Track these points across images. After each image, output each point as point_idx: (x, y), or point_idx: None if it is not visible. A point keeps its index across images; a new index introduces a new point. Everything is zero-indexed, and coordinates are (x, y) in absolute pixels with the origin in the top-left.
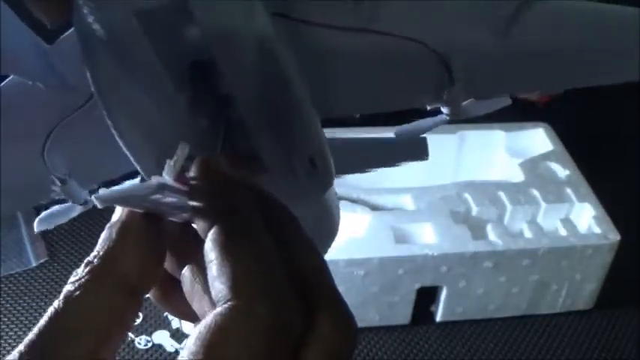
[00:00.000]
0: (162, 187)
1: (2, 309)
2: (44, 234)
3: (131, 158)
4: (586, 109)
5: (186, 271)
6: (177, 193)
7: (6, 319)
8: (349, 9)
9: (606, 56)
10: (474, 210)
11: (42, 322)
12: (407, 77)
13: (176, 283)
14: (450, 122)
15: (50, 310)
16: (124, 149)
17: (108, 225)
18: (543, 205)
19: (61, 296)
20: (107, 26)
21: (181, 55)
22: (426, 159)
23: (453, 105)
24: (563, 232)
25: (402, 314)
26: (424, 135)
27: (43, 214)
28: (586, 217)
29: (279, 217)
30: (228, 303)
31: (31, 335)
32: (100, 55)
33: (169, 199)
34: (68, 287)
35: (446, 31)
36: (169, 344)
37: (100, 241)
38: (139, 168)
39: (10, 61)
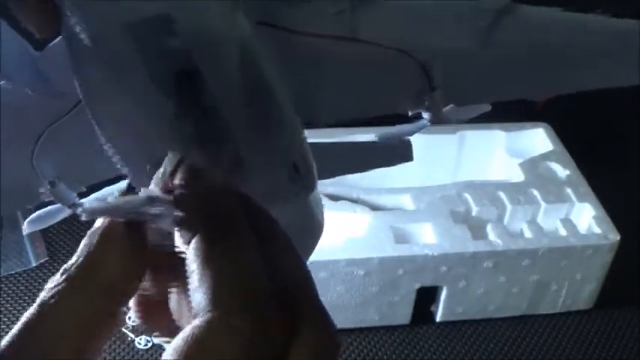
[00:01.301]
0: (152, 200)
1: (2, 309)
2: (44, 234)
3: (118, 165)
4: (586, 109)
5: (173, 289)
6: (164, 204)
7: (6, 319)
8: (332, 17)
9: (594, 64)
10: (474, 210)
11: (14, 330)
12: (389, 84)
13: (163, 302)
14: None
15: (23, 318)
16: (112, 156)
17: (89, 232)
18: (543, 205)
19: (36, 304)
20: (94, 36)
21: (166, 64)
22: (411, 160)
23: (434, 111)
24: (563, 232)
25: (402, 314)
26: (408, 139)
27: (32, 216)
28: (586, 217)
29: (264, 226)
30: (208, 314)
31: (3, 342)
32: (88, 64)
33: (155, 210)
34: (43, 294)
35: (426, 40)
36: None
37: (81, 247)
38: (126, 173)
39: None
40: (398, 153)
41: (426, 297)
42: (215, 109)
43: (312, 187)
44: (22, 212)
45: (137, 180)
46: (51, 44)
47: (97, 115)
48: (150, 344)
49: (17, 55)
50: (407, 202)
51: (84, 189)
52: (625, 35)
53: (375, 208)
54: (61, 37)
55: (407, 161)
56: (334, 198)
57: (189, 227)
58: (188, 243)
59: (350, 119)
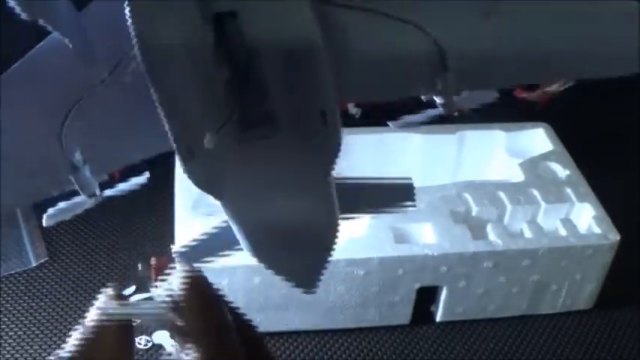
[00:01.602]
0: (154, 303)
1: (2, 309)
2: (44, 234)
3: (164, 119)
4: (586, 109)
5: None
6: (165, 309)
7: (6, 319)
8: None
9: (599, 48)
10: (474, 210)
11: None
12: (404, 61)
13: None
14: (443, 116)
15: None
16: (158, 105)
17: (82, 324)
18: (543, 205)
19: None
20: None
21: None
22: (413, 202)
23: (446, 95)
24: (563, 232)
25: (402, 314)
26: (411, 182)
27: (52, 209)
28: (586, 217)
29: (250, 333)
30: None
31: None
32: None
33: (155, 313)
34: None
35: (440, 17)
36: (169, 344)
37: (71, 341)
38: (168, 128)
39: (44, 7)
40: (401, 196)
41: (426, 297)
42: (251, 56)
43: (337, 145)
44: (21, 211)
45: (177, 136)
46: (89, 6)
47: (146, 55)
48: (150, 344)
49: (65, 11)
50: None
51: (106, 177)
52: (623, 18)
53: None
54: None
55: (409, 203)
56: None
57: (188, 334)
58: (183, 347)
59: (366, 101)
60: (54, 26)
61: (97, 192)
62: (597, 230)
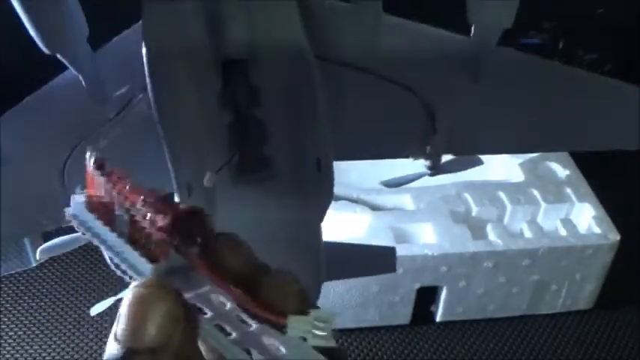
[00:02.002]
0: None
1: (2, 309)
2: (44, 233)
3: (167, 156)
4: None
5: None
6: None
7: (6, 319)
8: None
9: (596, 123)
10: (474, 210)
11: None
12: (394, 120)
13: None
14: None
15: None
16: (164, 142)
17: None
18: (543, 205)
19: None
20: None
21: (221, 48)
22: (394, 271)
23: (434, 158)
24: (563, 232)
25: (402, 314)
26: (393, 249)
27: (47, 244)
28: (586, 217)
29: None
30: None
31: None
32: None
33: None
34: None
35: (429, 78)
36: None
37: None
38: (170, 164)
39: (66, 42)
40: (383, 262)
41: (426, 297)
42: (256, 97)
43: (330, 191)
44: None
45: (181, 176)
46: (107, 45)
47: (156, 92)
48: None
49: (83, 49)
50: (407, 202)
51: None
52: (623, 101)
53: (375, 208)
54: (116, 38)
55: (390, 272)
56: (334, 198)
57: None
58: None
59: (357, 160)
60: (71, 63)
61: None
62: (597, 230)
